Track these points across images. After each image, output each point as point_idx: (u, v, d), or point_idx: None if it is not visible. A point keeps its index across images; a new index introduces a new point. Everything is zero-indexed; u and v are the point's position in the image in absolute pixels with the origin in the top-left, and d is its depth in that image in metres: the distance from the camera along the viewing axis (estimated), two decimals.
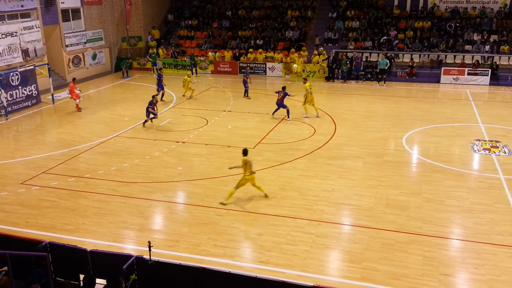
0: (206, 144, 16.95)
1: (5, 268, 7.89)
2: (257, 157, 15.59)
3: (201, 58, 31.39)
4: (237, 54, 31.23)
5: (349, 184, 13.50)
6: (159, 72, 24.38)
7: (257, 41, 32.23)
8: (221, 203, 12.28)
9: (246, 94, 24.04)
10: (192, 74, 30.13)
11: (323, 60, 28.85)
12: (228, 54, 31.15)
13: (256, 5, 34.49)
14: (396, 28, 30.86)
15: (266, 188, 13.08)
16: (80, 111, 21.55)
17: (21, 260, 8.20)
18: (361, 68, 28.36)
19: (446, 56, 28.83)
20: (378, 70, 27.40)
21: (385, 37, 30.39)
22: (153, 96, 19.61)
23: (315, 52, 29.55)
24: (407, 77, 28.15)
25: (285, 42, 31.88)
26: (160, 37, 34.12)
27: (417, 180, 13.85)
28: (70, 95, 22.05)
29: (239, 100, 23.63)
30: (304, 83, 20.88)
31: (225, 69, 30.70)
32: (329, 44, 30.78)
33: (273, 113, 20.33)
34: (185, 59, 31.28)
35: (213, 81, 28.81)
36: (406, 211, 11.87)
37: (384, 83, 26.97)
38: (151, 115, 19.11)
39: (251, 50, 31.06)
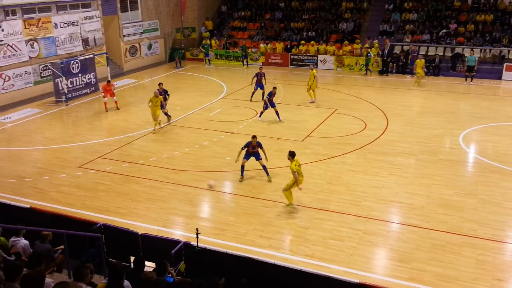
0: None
1: (62, 246, 8.31)
2: (305, 150, 15.51)
3: (253, 49, 31.46)
4: (288, 46, 31.07)
5: (400, 182, 13.16)
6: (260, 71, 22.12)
7: (309, 33, 31.89)
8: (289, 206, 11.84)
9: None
10: (243, 66, 30.29)
11: (375, 55, 28.13)
12: (279, 46, 31.05)
13: None
14: (456, 21, 29.57)
15: (314, 182, 13.00)
16: (107, 111, 20.62)
17: (76, 239, 8.62)
18: None
19: (509, 51, 27.33)
20: (466, 67, 25.89)
21: (444, 30, 29.21)
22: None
23: (366, 45, 28.81)
24: (466, 73, 26.95)
25: (338, 34, 31.36)
26: (213, 28, 34.49)
27: (473, 181, 13.30)
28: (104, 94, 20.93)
29: (289, 92, 23.53)
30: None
31: (276, 60, 30.63)
32: (384, 37, 29.96)
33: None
34: (237, 50, 31.48)
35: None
36: (460, 212, 11.43)
37: (472, 80, 25.48)
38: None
39: (303, 42, 30.79)
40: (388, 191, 12.57)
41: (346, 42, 29.89)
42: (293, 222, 11.15)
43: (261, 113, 19.06)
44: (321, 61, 29.59)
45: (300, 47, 30.54)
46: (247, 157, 13.35)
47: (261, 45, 31.56)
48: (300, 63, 29.94)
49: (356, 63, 28.53)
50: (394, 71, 27.93)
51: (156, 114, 17.42)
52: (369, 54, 27.72)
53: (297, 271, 7.87)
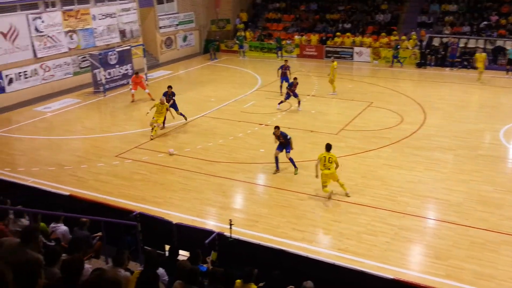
0: (289, 128, 16.88)
1: (100, 233, 8.52)
2: (340, 143, 15.32)
3: (287, 41, 31.27)
4: (323, 38, 30.69)
5: (437, 177, 12.84)
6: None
7: (345, 24, 31.41)
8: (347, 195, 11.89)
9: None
10: (278, 57, 30.16)
11: (413, 46, 27.44)
12: (314, 38, 30.72)
13: None
14: (497, 13, 28.46)
15: (348, 175, 12.85)
16: (133, 102, 20.79)
17: (113, 227, 8.82)
18: (457, 54, 26.60)
19: None
20: (507, 61, 24.92)
21: (485, 22, 28.18)
22: (295, 78, 19.40)
23: (403, 37, 28.10)
24: (508, 66, 25.94)
25: (374, 26, 30.75)
26: (248, 20, 34.44)
27: None
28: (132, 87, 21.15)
29: (324, 85, 23.25)
30: (333, 61, 21.29)
31: (311, 53, 30.33)
32: (423, 28, 29.17)
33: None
34: (271, 42, 31.35)
35: (298, 65, 28.58)
36: (500, 209, 11.06)
37: None
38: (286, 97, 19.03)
39: (338, 34, 30.36)
40: (424, 187, 12.29)
41: (383, 34, 29.27)
42: (326, 215, 11.07)
43: (281, 102, 19.19)
44: (356, 53, 29.11)
45: (336, 39, 30.11)
46: (279, 148, 13.31)
47: (296, 37, 31.31)
48: (335, 55, 29.52)
49: (393, 56, 27.89)
50: (432, 63, 27.19)
51: (159, 121, 16.17)
52: (398, 46, 27.12)
53: (330, 264, 7.82)
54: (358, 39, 29.48)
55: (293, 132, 16.38)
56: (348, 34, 30.09)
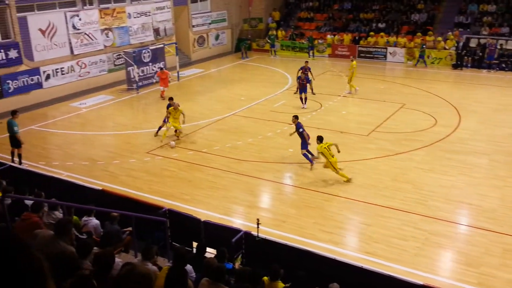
0: (318, 128, 16.79)
1: (130, 228, 8.68)
2: (370, 145, 15.14)
3: (319, 40, 31.05)
4: (356, 38, 30.33)
5: (471, 182, 12.50)
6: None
7: (379, 24, 30.94)
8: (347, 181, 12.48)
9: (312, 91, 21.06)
10: (309, 57, 30.00)
11: (451, 47, 26.78)
12: (347, 37, 30.39)
13: None
14: None
15: (378, 178, 12.68)
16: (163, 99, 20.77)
17: (143, 222, 8.97)
18: (495, 56, 25.82)
19: None
20: None
21: None
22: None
23: (439, 38, 27.44)
24: None
25: (409, 25, 30.17)
26: (280, 19, 34.39)
27: None
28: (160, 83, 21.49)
29: (355, 85, 22.97)
30: (352, 61, 21.27)
31: (343, 52, 30.01)
32: (460, 29, 28.43)
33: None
34: (303, 41, 31.20)
35: (330, 65, 28.38)
36: None
37: None
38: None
39: (372, 33, 29.93)
40: (457, 191, 11.99)
41: (418, 34, 28.67)
42: (355, 218, 10.95)
43: (304, 99, 19.36)
44: (390, 54, 28.64)
45: (369, 38, 29.70)
46: (303, 146, 13.70)
47: (328, 36, 31.05)
48: (368, 55, 29.15)
49: (429, 56, 27.32)
50: (469, 65, 26.48)
51: (177, 127, 15.79)
52: (424, 46, 26.58)
53: (358, 268, 7.73)
54: (392, 39, 28.99)
55: (323, 133, 16.23)
56: (382, 33, 29.63)
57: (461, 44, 26.41)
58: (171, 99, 16.35)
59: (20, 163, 13.66)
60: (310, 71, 20.83)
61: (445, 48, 27.10)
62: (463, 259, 9.26)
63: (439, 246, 9.73)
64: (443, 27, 28.96)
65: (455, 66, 26.43)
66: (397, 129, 16.55)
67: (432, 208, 11.14)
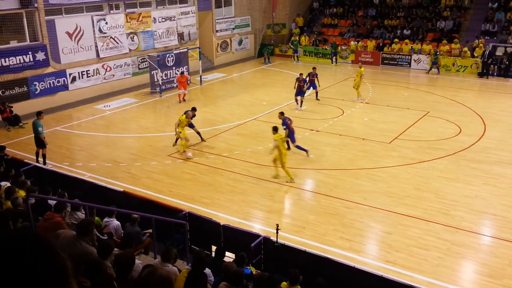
0: (340, 135, 16.73)
1: (150, 230, 8.76)
2: (392, 152, 14.96)
3: (343, 47, 30.90)
4: (380, 44, 30.08)
5: (496, 192, 12.22)
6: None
7: (404, 31, 30.62)
8: (290, 181, 12.89)
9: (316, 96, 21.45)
10: (332, 63, 29.87)
11: (479, 55, 26.30)
12: (371, 44, 30.16)
13: None
14: None
15: (400, 186, 12.53)
16: (181, 102, 21.44)
17: (163, 225, 9.04)
18: None
19: None
20: None
21: None
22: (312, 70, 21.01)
23: (465, 49, 26.97)
24: None
25: (435, 33, 29.78)
26: (304, 25, 34.37)
27: None
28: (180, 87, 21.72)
29: (378, 92, 22.80)
30: (360, 67, 21.21)
31: (367, 59, 29.78)
32: (486, 37, 27.92)
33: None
34: (326, 47, 31.10)
35: (353, 71, 28.11)
36: None
37: None
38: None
39: (396, 40, 29.63)
40: (481, 202, 11.74)
41: (444, 41, 28.26)
42: (375, 226, 10.82)
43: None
44: (415, 61, 28.29)
45: (393, 45, 29.40)
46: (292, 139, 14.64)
47: (352, 42, 30.86)
48: (392, 62, 28.86)
49: (454, 64, 26.91)
50: (495, 73, 25.96)
51: (184, 134, 15.28)
52: (437, 53, 26.31)
53: (377, 276, 7.64)
54: (417, 46, 28.64)
55: (345, 139, 16.23)
56: (406, 40, 29.30)
57: (487, 52, 25.93)
58: (194, 109, 16.32)
59: (44, 163, 13.96)
60: (317, 77, 20.88)
61: (473, 56, 26.60)
62: (485, 270, 9.05)
63: (462, 257, 9.54)
64: (469, 35, 28.48)
65: (481, 75, 25.95)
66: (421, 137, 16.32)
67: (455, 218, 10.94)
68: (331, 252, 9.41)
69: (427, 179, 13.06)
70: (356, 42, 30.68)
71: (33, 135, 14.23)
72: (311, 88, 21.04)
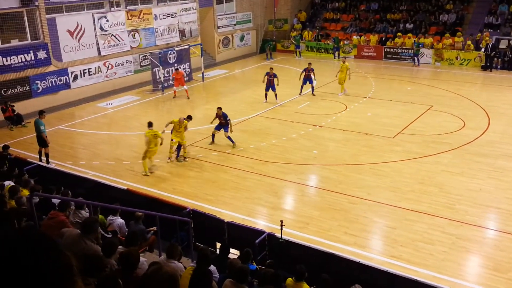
0: (343, 130, 16.68)
1: (154, 228, 8.75)
2: (396, 147, 14.90)
3: (345, 41, 30.77)
4: (383, 39, 29.93)
5: (501, 186, 12.16)
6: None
7: (407, 24, 30.47)
8: (144, 175, 13.31)
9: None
10: (335, 58, 29.77)
11: (484, 47, 26.14)
12: (373, 38, 30.02)
13: None
14: None
15: (405, 181, 12.48)
16: (175, 98, 21.76)
17: (167, 222, 9.03)
18: None
19: None
20: None
21: None
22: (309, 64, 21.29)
23: (468, 42, 26.81)
24: None
25: (438, 26, 29.61)
26: (306, 20, 34.24)
27: None
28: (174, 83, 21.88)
29: (381, 87, 22.71)
30: (344, 62, 21.25)
31: (369, 53, 29.68)
32: (489, 30, 27.75)
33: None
34: (329, 42, 30.98)
35: (355, 66, 28.06)
36: None
37: None
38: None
39: (399, 34, 29.48)
40: (486, 195, 11.69)
41: (447, 35, 28.10)
42: (380, 221, 10.79)
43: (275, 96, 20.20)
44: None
45: (396, 39, 29.26)
46: (217, 127, 15.36)
47: (354, 37, 30.74)
48: (395, 56, 28.74)
49: (457, 58, 26.78)
50: (499, 67, 25.82)
51: (182, 142, 14.48)
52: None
53: (383, 271, 7.61)
54: (420, 40, 28.47)
55: (348, 134, 16.17)
56: (409, 34, 29.14)
57: (490, 45, 25.78)
58: (189, 117, 15.13)
59: (47, 162, 13.96)
60: (313, 72, 20.97)
61: (479, 49, 26.39)
62: (490, 264, 9.02)
63: (467, 251, 9.50)
64: (473, 28, 28.32)
65: (484, 68, 25.81)
66: (424, 132, 16.25)
67: (460, 212, 10.89)
68: (336, 247, 9.38)
69: (432, 173, 13.01)
70: (358, 37, 30.56)
71: (36, 134, 14.22)
72: (307, 82, 21.00)
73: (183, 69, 24.31)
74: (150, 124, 13.63)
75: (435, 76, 25.49)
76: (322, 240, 9.86)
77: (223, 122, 15.22)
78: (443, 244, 9.64)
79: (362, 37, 30.45)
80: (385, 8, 32.34)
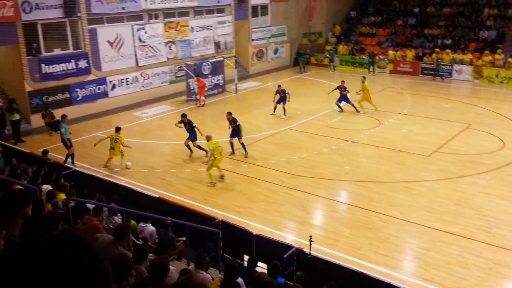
0: (377, 146, 16.42)
1: (184, 238, 8.79)
2: (432, 166, 14.54)
3: (381, 56, 30.45)
4: (420, 54, 29.45)
5: None
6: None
7: (445, 40, 29.90)
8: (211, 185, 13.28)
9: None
10: (369, 73, 29.48)
11: None
12: (410, 54, 29.56)
13: (448, 1, 31.95)
14: None
15: (440, 201, 12.13)
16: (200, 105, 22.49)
17: (196, 232, 9.06)
18: None
19: None
20: None
21: None
22: (343, 82, 21.08)
23: (509, 59, 26.05)
24: None
25: (477, 43, 28.93)
26: (341, 34, 34.11)
27: None
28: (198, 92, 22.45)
29: (418, 103, 22.29)
30: (363, 82, 20.78)
31: (405, 69, 29.23)
32: None
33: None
34: (363, 57, 30.74)
35: (391, 81, 27.72)
36: None
37: None
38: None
39: (437, 50, 28.96)
40: None
41: (486, 51, 27.42)
42: (413, 241, 10.50)
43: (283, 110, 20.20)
44: (456, 71, 27.54)
45: (433, 55, 28.74)
46: (232, 135, 15.60)
47: (390, 52, 30.39)
48: (432, 72, 28.20)
49: (497, 75, 26.05)
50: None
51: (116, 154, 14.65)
52: (439, 60, 26.69)
53: None
54: (458, 56, 27.90)
55: (382, 151, 15.90)
56: (447, 50, 28.59)
57: None
58: (183, 115, 15.96)
59: (72, 163, 14.61)
60: (286, 94, 20.41)
61: None
62: None
63: (504, 277, 9.12)
64: None
65: None
66: (462, 151, 15.80)
67: (497, 236, 10.48)
68: (366, 267, 9.18)
69: (468, 194, 12.60)
70: (394, 52, 30.19)
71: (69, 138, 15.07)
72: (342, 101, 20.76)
73: (217, 80, 24.58)
74: (209, 138, 13.65)
75: (473, 93, 24.85)
76: (351, 258, 9.66)
77: (234, 127, 15.49)
78: (479, 269, 9.29)
79: (398, 52, 30.07)
80: (422, 23, 31.87)
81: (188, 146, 15.74)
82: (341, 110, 20.75)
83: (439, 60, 27.24)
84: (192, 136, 15.57)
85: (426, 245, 10.24)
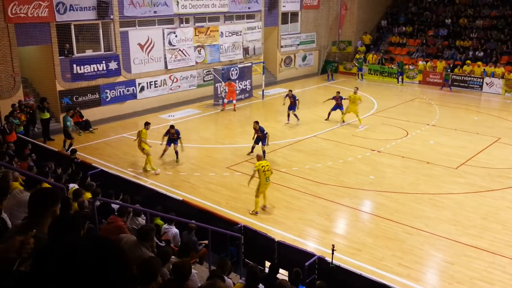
0: (403, 157, 16.20)
1: (206, 241, 8.86)
2: (459, 179, 14.26)
3: (410, 66, 30.07)
4: (450, 65, 28.96)
5: None
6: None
7: (477, 52, 29.34)
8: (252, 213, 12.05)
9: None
10: (398, 83, 29.14)
11: None
12: (440, 65, 29.10)
13: (481, 14, 31.37)
14: None
15: (466, 215, 11.88)
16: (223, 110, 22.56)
17: (218, 236, 9.12)
18: None
19: None
20: None
21: None
22: (337, 92, 20.96)
23: None
24: None
25: (510, 56, 28.27)
26: (370, 43, 33.86)
27: None
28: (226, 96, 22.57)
29: (446, 115, 21.91)
30: (355, 93, 20.28)
31: (435, 80, 28.79)
32: None
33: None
34: (393, 66, 30.41)
35: (419, 92, 27.33)
36: None
37: None
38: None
39: (468, 62, 28.43)
40: None
41: None
42: (437, 254, 10.32)
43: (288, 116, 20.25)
44: (486, 84, 26.98)
45: (465, 67, 28.23)
46: (256, 141, 15.71)
47: (420, 62, 29.99)
48: (462, 84, 27.70)
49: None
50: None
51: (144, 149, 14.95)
52: (448, 70, 26.68)
53: None
54: (490, 69, 27.32)
55: (408, 162, 15.68)
56: (479, 63, 28.04)
57: None
58: (172, 127, 15.76)
59: (66, 150, 15.82)
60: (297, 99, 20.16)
61: None
62: None
63: None
64: None
65: None
66: (490, 164, 15.45)
67: None
68: (388, 278, 9.06)
69: (496, 209, 12.31)
70: (424, 62, 29.78)
71: (62, 127, 16.89)
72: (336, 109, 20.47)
73: (244, 86, 24.71)
74: (259, 157, 12.66)
75: (504, 107, 24.28)
76: (374, 269, 9.56)
77: (261, 135, 15.61)
78: (504, 285, 9.06)
79: (428, 63, 29.64)
80: (454, 34, 31.36)
81: (252, 148, 16.03)
82: (327, 119, 20.59)
83: (448, 70, 27.27)
84: (264, 141, 15.75)
85: (451, 258, 10.04)
